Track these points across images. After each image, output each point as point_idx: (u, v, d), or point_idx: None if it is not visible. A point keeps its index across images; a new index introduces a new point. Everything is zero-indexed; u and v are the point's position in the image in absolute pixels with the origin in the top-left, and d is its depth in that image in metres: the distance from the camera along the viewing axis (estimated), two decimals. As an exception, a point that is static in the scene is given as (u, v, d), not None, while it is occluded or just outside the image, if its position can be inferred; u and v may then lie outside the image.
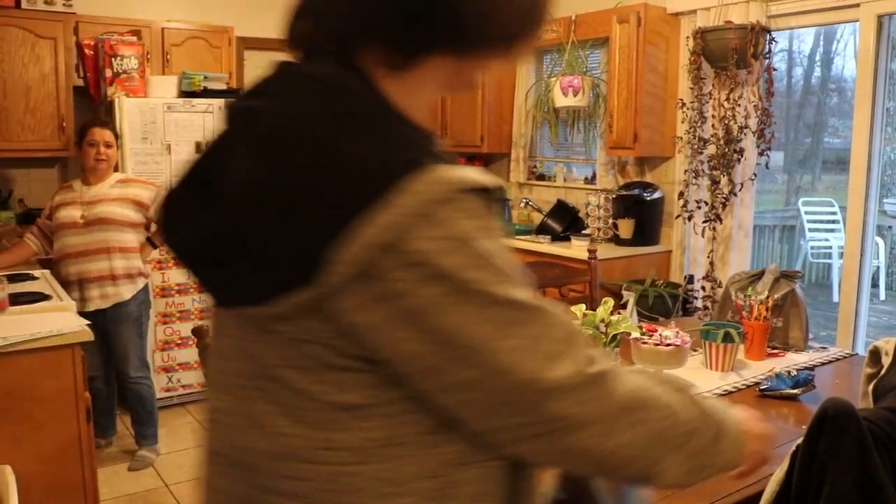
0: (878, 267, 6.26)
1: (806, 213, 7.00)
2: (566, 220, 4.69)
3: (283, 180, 0.74)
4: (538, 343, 0.77)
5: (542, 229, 4.70)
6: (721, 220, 3.95)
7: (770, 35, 3.76)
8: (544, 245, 4.46)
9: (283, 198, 0.73)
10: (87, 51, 4.32)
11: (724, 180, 3.89)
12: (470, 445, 0.82)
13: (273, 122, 0.77)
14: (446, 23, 0.81)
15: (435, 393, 0.78)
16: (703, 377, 2.19)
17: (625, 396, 0.81)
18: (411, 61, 0.83)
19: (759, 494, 1.41)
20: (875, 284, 6.12)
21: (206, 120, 4.31)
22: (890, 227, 6.66)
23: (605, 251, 4.15)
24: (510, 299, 0.76)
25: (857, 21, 3.55)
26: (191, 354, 4.28)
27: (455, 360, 0.75)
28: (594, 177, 4.97)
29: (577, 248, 4.25)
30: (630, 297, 3.77)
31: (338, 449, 0.79)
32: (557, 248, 4.35)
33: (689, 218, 4.07)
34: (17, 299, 2.78)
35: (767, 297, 2.41)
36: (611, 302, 2.16)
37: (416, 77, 0.85)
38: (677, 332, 2.18)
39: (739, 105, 3.84)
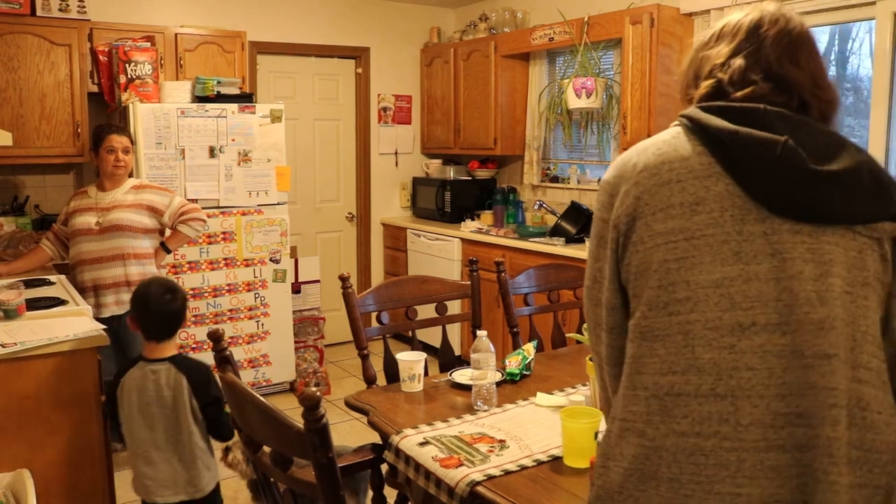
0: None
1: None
2: (580, 222, 4.67)
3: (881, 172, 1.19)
4: None
5: (556, 231, 4.69)
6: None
7: (785, 34, 3.72)
8: (558, 247, 4.45)
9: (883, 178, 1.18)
10: (101, 57, 4.36)
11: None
12: None
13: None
14: None
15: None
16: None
17: None
18: None
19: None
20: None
21: (220, 125, 4.33)
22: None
23: (620, 253, 4.13)
24: None
25: (873, 19, 3.52)
26: (205, 358, 4.28)
27: None
28: (608, 178, 4.94)
29: (591, 250, 4.23)
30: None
31: None
32: (571, 251, 4.33)
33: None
34: (33, 304, 2.80)
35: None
36: (627, 304, 2.15)
37: None
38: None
39: (754, 105, 3.81)
